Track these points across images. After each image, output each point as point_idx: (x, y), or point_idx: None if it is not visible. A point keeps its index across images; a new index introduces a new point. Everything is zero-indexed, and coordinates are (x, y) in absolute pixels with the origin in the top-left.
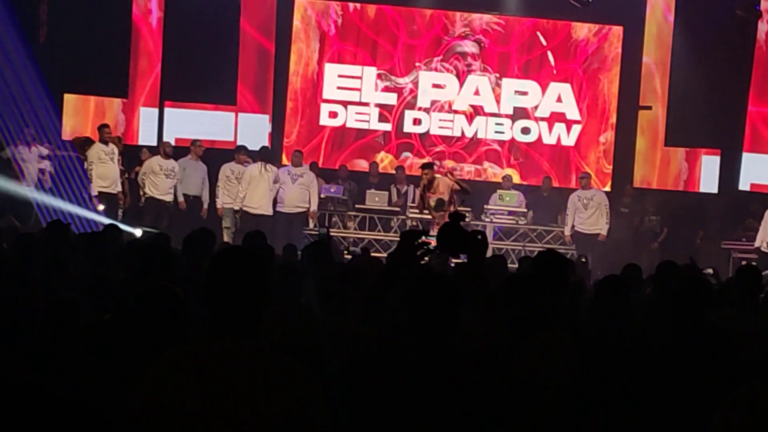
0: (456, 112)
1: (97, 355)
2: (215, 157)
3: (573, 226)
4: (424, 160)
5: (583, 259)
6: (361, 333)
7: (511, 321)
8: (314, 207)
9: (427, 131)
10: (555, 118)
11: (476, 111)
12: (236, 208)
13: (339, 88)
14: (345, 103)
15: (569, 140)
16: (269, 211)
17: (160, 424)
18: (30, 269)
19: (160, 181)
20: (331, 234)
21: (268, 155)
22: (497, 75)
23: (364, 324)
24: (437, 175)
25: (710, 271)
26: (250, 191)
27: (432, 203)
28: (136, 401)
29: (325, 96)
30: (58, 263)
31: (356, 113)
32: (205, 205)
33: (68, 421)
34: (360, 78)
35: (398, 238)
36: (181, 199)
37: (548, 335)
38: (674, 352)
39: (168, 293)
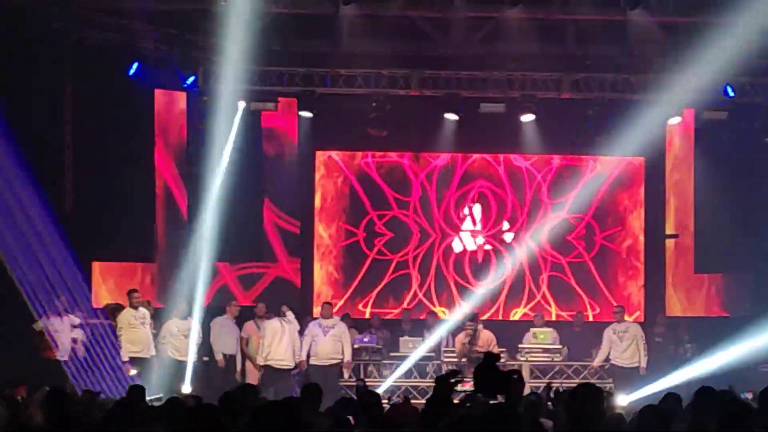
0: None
1: None
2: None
3: (608, 359)
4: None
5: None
6: None
7: None
8: (348, 357)
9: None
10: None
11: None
12: (261, 363)
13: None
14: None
15: (596, 273)
16: (292, 364)
17: None
18: None
19: (179, 342)
20: (367, 384)
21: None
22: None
23: None
24: (479, 326)
25: (749, 396)
26: (274, 345)
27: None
28: None
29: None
30: None
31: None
32: (239, 366)
33: None
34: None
35: (434, 383)
36: (219, 357)
37: None
38: None
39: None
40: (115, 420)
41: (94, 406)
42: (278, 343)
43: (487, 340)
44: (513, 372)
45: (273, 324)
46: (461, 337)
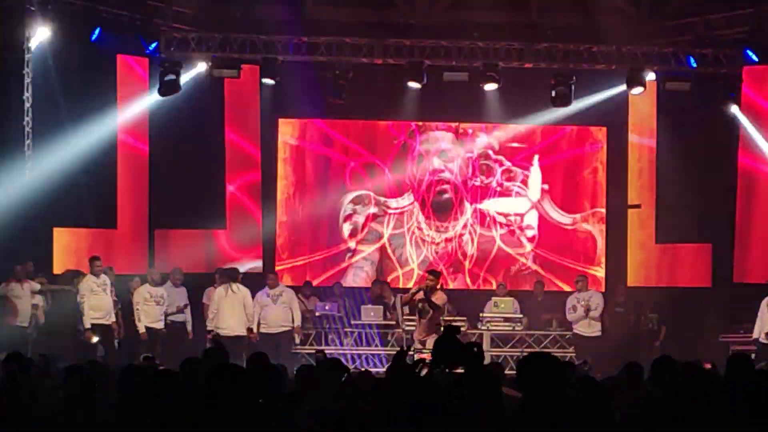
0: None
1: None
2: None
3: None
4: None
5: (586, 367)
6: None
7: None
8: (298, 323)
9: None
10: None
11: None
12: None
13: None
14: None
15: (558, 243)
16: (242, 332)
17: None
18: None
19: (150, 309)
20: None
21: (235, 276)
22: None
23: None
24: (439, 287)
25: (708, 366)
26: (219, 313)
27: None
28: None
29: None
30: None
31: (349, 229)
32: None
33: None
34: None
35: (396, 353)
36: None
37: None
38: None
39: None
40: (71, 386)
41: (51, 372)
42: (224, 310)
43: (440, 298)
44: (473, 344)
45: (219, 292)
46: (416, 287)
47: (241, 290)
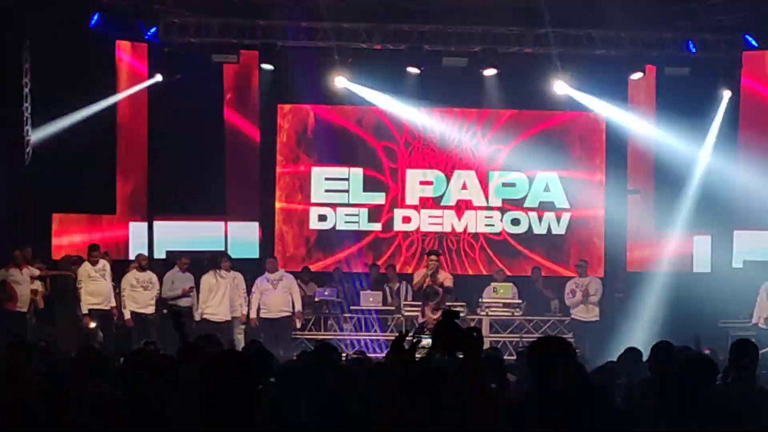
0: (444, 207)
1: None
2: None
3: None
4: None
5: (578, 350)
6: None
7: None
8: (298, 308)
9: (417, 228)
10: (544, 207)
11: (465, 206)
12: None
13: (327, 191)
14: (334, 206)
15: (560, 229)
16: (228, 317)
17: None
18: None
19: (139, 294)
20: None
21: (219, 261)
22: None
23: None
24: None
25: (707, 351)
26: (209, 300)
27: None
28: None
29: (313, 200)
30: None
31: (345, 215)
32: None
33: None
34: (347, 179)
35: (395, 338)
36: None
37: None
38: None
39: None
40: (73, 372)
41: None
42: (213, 296)
43: (449, 278)
44: (472, 329)
45: (207, 278)
46: (422, 271)
47: (228, 275)
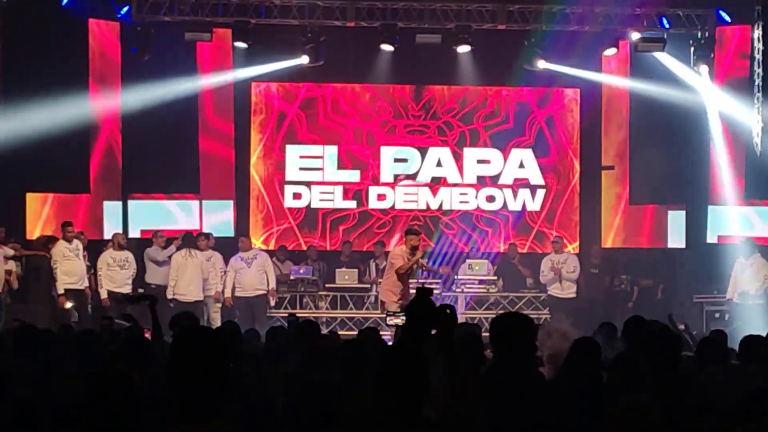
0: (419, 185)
1: None
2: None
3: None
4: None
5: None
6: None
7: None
8: (273, 285)
9: (392, 206)
10: (518, 184)
11: (440, 182)
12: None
13: (301, 169)
14: (309, 184)
15: (534, 205)
16: (200, 297)
17: None
18: None
19: (115, 273)
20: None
21: (194, 241)
22: (458, 145)
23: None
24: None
25: (682, 326)
26: (178, 279)
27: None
28: None
29: (288, 178)
30: None
31: (320, 193)
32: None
33: None
34: (321, 157)
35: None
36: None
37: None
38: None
39: (121, 379)
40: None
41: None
42: (182, 276)
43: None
44: (445, 306)
45: (176, 257)
46: (401, 249)
47: (203, 255)
